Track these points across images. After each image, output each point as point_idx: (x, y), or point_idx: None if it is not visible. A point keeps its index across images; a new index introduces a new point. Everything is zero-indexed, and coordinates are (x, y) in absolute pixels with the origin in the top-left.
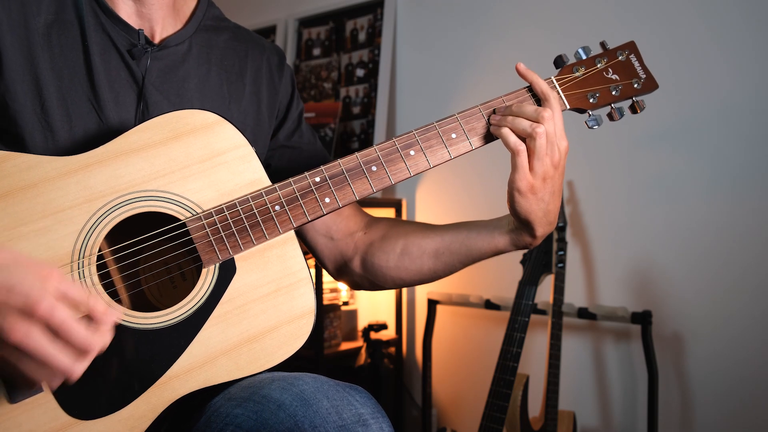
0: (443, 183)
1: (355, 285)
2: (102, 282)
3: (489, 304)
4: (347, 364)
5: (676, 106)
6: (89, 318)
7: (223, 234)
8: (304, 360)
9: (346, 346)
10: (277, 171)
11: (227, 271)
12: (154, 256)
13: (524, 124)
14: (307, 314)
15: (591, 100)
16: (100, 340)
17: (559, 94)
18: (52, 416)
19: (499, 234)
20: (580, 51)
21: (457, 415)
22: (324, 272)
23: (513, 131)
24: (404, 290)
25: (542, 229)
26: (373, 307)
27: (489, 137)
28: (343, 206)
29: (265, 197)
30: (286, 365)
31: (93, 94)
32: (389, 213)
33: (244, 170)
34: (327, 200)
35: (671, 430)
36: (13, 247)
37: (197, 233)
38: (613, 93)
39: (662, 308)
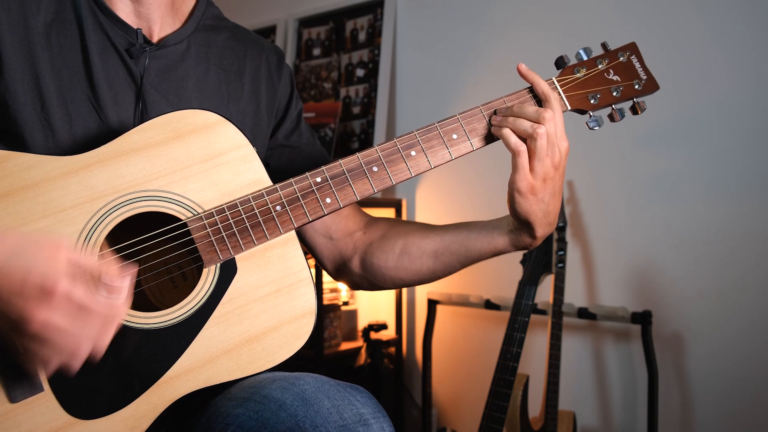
0: (443, 183)
1: (355, 285)
2: None
3: (489, 304)
4: (347, 364)
5: (676, 107)
6: (105, 286)
7: (224, 234)
8: (304, 360)
9: (346, 346)
10: (276, 170)
11: (228, 271)
12: (155, 255)
13: (525, 124)
14: (308, 314)
15: (592, 101)
16: (121, 304)
17: (560, 95)
18: (53, 416)
19: (499, 234)
20: (581, 52)
21: (457, 415)
22: (324, 272)
23: (514, 132)
24: (404, 290)
25: (542, 230)
26: (373, 307)
27: (490, 138)
28: (344, 206)
29: (267, 197)
30: (287, 365)
31: (92, 93)
32: (389, 213)
33: (246, 170)
34: (328, 200)
35: (671, 430)
36: None
37: (198, 233)
38: (614, 94)
39: (662, 308)
